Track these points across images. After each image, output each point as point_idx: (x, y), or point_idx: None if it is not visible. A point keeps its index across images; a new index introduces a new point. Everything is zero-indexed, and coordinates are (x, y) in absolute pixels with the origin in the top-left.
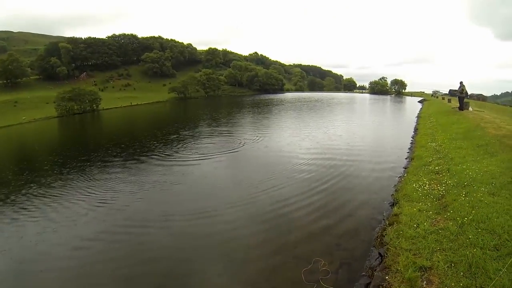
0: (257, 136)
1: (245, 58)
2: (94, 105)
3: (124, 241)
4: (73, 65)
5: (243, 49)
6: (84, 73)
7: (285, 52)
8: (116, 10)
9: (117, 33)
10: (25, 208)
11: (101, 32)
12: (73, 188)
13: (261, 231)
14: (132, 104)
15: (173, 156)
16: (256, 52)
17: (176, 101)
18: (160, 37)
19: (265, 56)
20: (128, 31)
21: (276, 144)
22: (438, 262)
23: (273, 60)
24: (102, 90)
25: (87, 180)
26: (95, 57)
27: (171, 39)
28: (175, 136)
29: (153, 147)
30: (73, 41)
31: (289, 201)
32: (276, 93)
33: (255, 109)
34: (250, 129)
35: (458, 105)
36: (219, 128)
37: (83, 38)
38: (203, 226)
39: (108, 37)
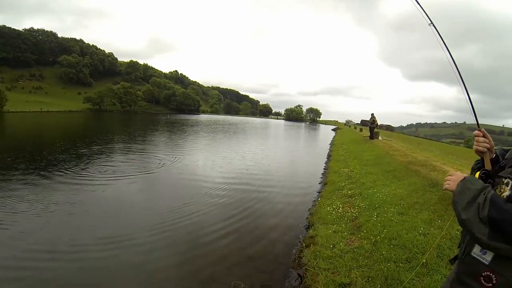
0: (174, 157)
1: (165, 75)
2: None
3: (24, 278)
4: None
5: (165, 66)
6: None
7: (205, 73)
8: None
9: (35, 28)
10: None
11: (18, 23)
12: None
13: (178, 257)
14: (42, 110)
15: (84, 173)
16: (176, 71)
17: (91, 113)
18: (81, 41)
19: (185, 76)
20: (48, 27)
21: (194, 167)
22: (356, 278)
23: (192, 80)
24: (9, 90)
25: None
26: (7, 49)
27: (93, 45)
28: (86, 150)
29: (62, 161)
30: None
31: (206, 227)
32: (192, 113)
33: (171, 129)
34: (167, 150)
35: (369, 134)
36: (135, 146)
37: None
38: (119, 256)
39: (25, 29)
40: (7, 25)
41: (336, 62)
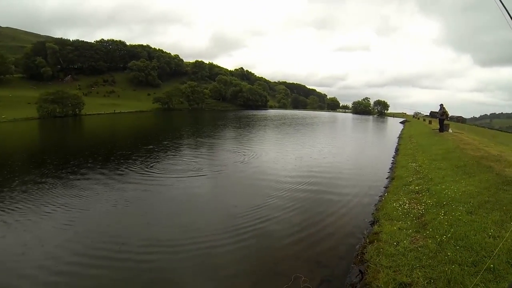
0: (243, 155)
1: (231, 73)
2: (76, 110)
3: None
4: (59, 66)
5: (230, 64)
6: (69, 76)
7: (271, 68)
8: (107, 14)
9: (105, 38)
10: None
11: (90, 35)
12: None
13: (242, 248)
14: (116, 111)
15: (154, 171)
16: (241, 68)
17: (160, 112)
18: (148, 46)
19: (250, 72)
20: (117, 37)
21: (266, 163)
22: (418, 278)
23: (258, 77)
24: (86, 95)
25: (60, 187)
26: (82, 60)
27: (159, 49)
28: (156, 147)
29: (135, 158)
30: (60, 42)
31: (270, 219)
32: (259, 109)
33: (239, 125)
34: (235, 147)
35: (438, 126)
36: (204, 144)
37: (71, 40)
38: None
39: (96, 41)
40: (80, 39)
41: (403, 52)
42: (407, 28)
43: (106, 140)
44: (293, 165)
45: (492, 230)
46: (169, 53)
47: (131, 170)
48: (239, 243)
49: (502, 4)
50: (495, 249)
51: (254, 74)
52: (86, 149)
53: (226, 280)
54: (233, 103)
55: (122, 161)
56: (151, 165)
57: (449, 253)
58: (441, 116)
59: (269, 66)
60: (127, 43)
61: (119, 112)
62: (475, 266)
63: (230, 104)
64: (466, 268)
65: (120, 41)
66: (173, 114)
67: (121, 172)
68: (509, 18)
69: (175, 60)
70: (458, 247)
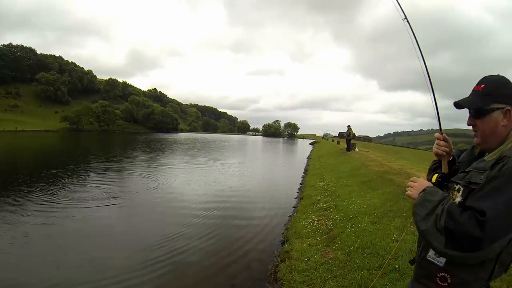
0: (156, 181)
1: (144, 93)
2: None
3: None
4: None
5: (144, 84)
6: None
7: (184, 90)
8: (20, 15)
9: (14, 43)
10: None
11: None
12: None
13: (156, 281)
14: (17, 129)
15: (58, 201)
16: (155, 89)
17: (68, 132)
18: (60, 57)
19: (163, 94)
20: (28, 43)
21: (174, 190)
22: None
23: (171, 98)
24: None
25: None
26: None
27: (72, 62)
28: (62, 174)
29: (36, 185)
30: None
31: (185, 247)
32: (170, 132)
33: (151, 149)
34: (147, 173)
35: (346, 146)
36: (114, 169)
37: None
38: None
39: (4, 45)
40: None
41: (315, 76)
42: (320, 55)
43: (8, 163)
44: (205, 190)
45: (395, 235)
46: (82, 68)
47: (30, 199)
48: (153, 276)
49: (413, 34)
50: (398, 251)
51: (167, 95)
52: None
53: None
54: (145, 126)
55: (21, 188)
56: (55, 193)
57: (357, 261)
58: (347, 136)
59: (183, 88)
60: (38, 52)
61: (21, 131)
62: (382, 268)
63: (141, 127)
64: (374, 271)
65: (30, 48)
66: (81, 135)
67: (17, 202)
68: (418, 48)
69: (88, 76)
70: (365, 255)
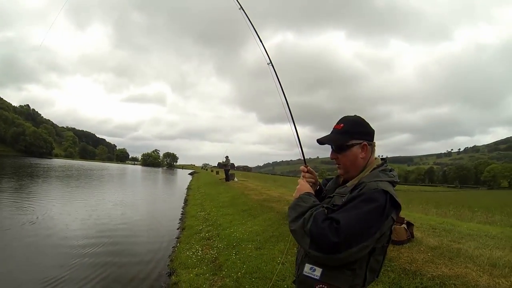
0: (29, 215)
1: (14, 109)
2: None
3: None
4: None
5: (15, 98)
6: None
7: (60, 112)
8: None
9: None
10: None
11: None
12: None
13: None
14: None
15: None
16: (28, 105)
17: None
18: None
19: (37, 112)
20: None
21: (53, 225)
22: None
23: (45, 119)
24: None
25: None
26: None
27: None
28: None
29: None
30: None
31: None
32: (43, 157)
33: (23, 177)
34: (20, 204)
35: (224, 176)
36: None
37: None
38: None
39: None
40: None
41: (195, 107)
42: (202, 86)
43: None
44: (86, 225)
45: (280, 258)
46: None
47: None
48: None
49: (271, 63)
50: (285, 273)
51: (41, 115)
52: None
53: None
54: (13, 148)
55: None
56: None
57: (246, 286)
58: (225, 167)
59: (60, 108)
60: None
61: None
62: None
63: (10, 148)
64: None
65: None
66: None
67: None
68: (280, 87)
69: None
70: (253, 279)
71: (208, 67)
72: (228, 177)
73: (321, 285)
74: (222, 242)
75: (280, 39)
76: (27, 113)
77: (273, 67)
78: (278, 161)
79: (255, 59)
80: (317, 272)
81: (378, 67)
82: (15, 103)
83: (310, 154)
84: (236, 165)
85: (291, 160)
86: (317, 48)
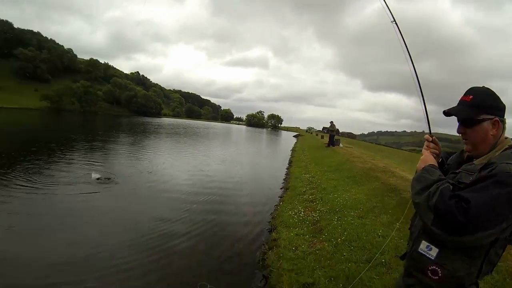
0: (145, 166)
1: (127, 76)
2: None
3: None
4: None
5: (126, 67)
6: None
7: (168, 75)
8: None
9: None
10: None
11: None
12: None
13: (146, 260)
14: None
15: (46, 182)
16: (138, 72)
17: (48, 111)
18: (39, 34)
19: (146, 78)
20: (4, 16)
21: (158, 174)
22: (319, 278)
23: (154, 83)
24: None
25: None
26: None
27: (51, 39)
28: (49, 154)
29: (20, 165)
30: None
31: (174, 233)
32: (153, 116)
33: (137, 133)
34: (132, 156)
35: (328, 141)
36: (102, 150)
37: None
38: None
39: None
40: None
41: (298, 71)
42: (304, 51)
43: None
44: (193, 178)
45: (381, 231)
46: (62, 46)
47: (14, 179)
48: (140, 254)
49: (402, 37)
50: (385, 246)
51: (150, 80)
52: None
53: None
54: (127, 108)
55: (11, 167)
56: (42, 174)
57: (345, 253)
58: (331, 132)
59: (166, 73)
60: (15, 26)
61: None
62: (369, 262)
63: (124, 109)
64: (361, 264)
65: (6, 21)
66: (64, 114)
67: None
68: (407, 51)
69: (68, 55)
70: (352, 248)
71: (308, 33)
72: (333, 143)
73: (435, 267)
74: (325, 206)
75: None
76: (138, 79)
77: (397, 25)
78: (383, 130)
79: (359, 22)
80: (433, 252)
81: (491, 36)
82: (126, 71)
83: (415, 127)
84: (340, 131)
85: (395, 131)
86: (422, 13)
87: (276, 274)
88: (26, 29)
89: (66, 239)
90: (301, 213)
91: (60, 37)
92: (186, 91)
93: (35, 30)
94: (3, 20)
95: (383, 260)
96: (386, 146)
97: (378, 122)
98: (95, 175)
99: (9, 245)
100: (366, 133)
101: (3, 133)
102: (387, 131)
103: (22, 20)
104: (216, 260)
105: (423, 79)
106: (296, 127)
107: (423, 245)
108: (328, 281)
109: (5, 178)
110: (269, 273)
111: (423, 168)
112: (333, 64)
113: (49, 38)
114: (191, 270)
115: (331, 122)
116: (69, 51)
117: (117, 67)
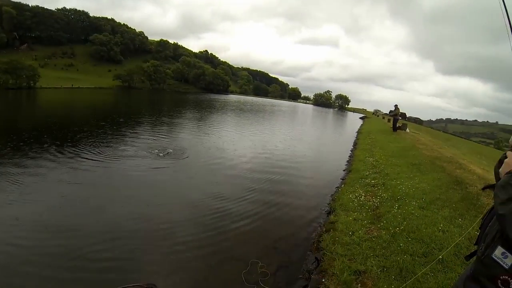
0: (206, 140)
1: (195, 55)
2: (31, 82)
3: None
4: (14, 33)
5: (195, 46)
6: (26, 45)
7: (236, 54)
8: None
9: (67, 7)
10: None
11: (53, 2)
12: None
13: (199, 232)
14: (74, 86)
15: (122, 155)
16: (206, 51)
17: (121, 89)
18: (112, 20)
19: (214, 56)
20: (81, 7)
21: (221, 151)
22: (372, 266)
23: (222, 61)
24: (42, 67)
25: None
26: (40, 29)
27: (124, 24)
28: (126, 129)
29: (101, 139)
30: (18, 6)
31: (229, 206)
32: (220, 93)
33: (203, 109)
34: (198, 133)
35: (396, 125)
36: (175, 126)
37: (30, 5)
38: (145, 225)
39: (58, 9)
40: (41, 5)
41: (369, 51)
42: (375, 30)
43: (63, 117)
44: (257, 155)
45: (442, 225)
46: (134, 30)
47: (97, 152)
48: (197, 228)
49: (506, 11)
50: (444, 242)
51: (218, 58)
52: (40, 126)
53: (185, 263)
54: (195, 86)
55: (83, 141)
56: (120, 147)
57: (401, 244)
58: (394, 116)
59: (234, 51)
60: (91, 15)
61: (77, 87)
62: (425, 257)
63: (192, 86)
64: (417, 258)
65: (83, 11)
66: (134, 92)
67: (73, 153)
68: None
69: (140, 37)
70: (410, 239)
71: (382, 9)
72: (395, 127)
73: (507, 277)
74: (387, 192)
75: None
76: (206, 57)
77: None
78: (452, 118)
79: (434, 1)
80: (509, 261)
81: None
82: (195, 50)
83: (488, 116)
84: (407, 116)
85: (466, 120)
86: None
87: (329, 258)
88: (100, 16)
89: (131, 211)
90: (361, 197)
91: (132, 22)
92: (254, 69)
93: (109, 17)
94: (79, 10)
95: (441, 257)
96: (454, 135)
97: (448, 108)
98: (163, 150)
99: (79, 214)
100: (434, 119)
101: (80, 109)
102: (456, 119)
103: (97, 9)
104: (270, 239)
105: (503, 63)
106: (363, 109)
107: (498, 252)
108: (380, 271)
109: (77, 151)
110: (322, 256)
111: (508, 173)
112: (405, 44)
113: (122, 23)
114: (243, 246)
115: (396, 106)
116: (141, 33)
117: (186, 47)
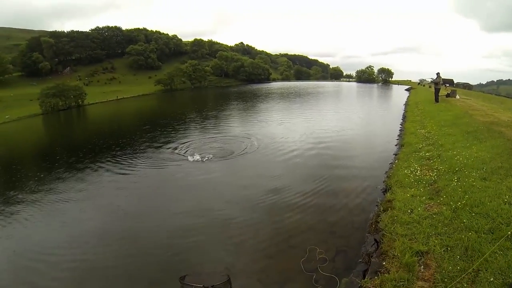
0: (254, 136)
1: (231, 48)
2: (79, 101)
3: None
4: (56, 60)
5: (229, 40)
6: (68, 68)
7: (272, 41)
8: (100, 1)
9: (100, 26)
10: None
11: (85, 25)
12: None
13: (256, 221)
14: (118, 98)
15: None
16: (242, 42)
17: (163, 93)
18: (144, 29)
19: (251, 46)
20: (112, 23)
21: (273, 135)
22: (434, 246)
23: (259, 50)
24: (86, 85)
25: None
26: (79, 51)
27: (156, 31)
28: (180, 132)
29: (154, 145)
30: (55, 35)
31: (283, 191)
32: (262, 82)
33: (244, 101)
34: (246, 126)
35: (445, 93)
36: (217, 127)
37: (65, 31)
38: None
39: (92, 30)
40: (75, 29)
41: (406, 17)
42: None
43: (113, 129)
44: (307, 134)
45: (507, 197)
46: (167, 34)
47: (151, 156)
48: (253, 217)
49: None
50: (511, 215)
51: (255, 48)
52: (97, 140)
53: (243, 254)
54: (236, 78)
55: (136, 147)
56: (182, 151)
57: (464, 220)
58: (436, 85)
59: (269, 40)
60: (123, 28)
61: (121, 98)
62: (492, 233)
63: (233, 80)
64: (483, 235)
65: (115, 26)
66: (177, 94)
67: (142, 156)
68: None
69: (174, 41)
70: (473, 214)
71: None
72: (437, 98)
73: None
74: (443, 164)
75: None
76: (243, 49)
77: None
78: (504, 79)
79: None
80: None
81: None
82: (231, 43)
83: None
84: (455, 82)
85: None
86: None
87: (389, 239)
88: (133, 28)
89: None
90: (417, 172)
91: (165, 26)
92: (293, 54)
93: (141, 27)
94: (113, 26)
95: (510, 233)
96: (508, 97)
97: (498, 69)
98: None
99: (141, 211)
100: (484, 82)
101: (124, 117)
102: (509, 79)
103: (128, 22)
104: (326, 223)
105: None
106: (408, 80)
107: None
108: (444, 251)
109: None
110: (381, 237)
111: None
112: (446, 4)
113: (154, 30)
114: (300, 233)
115: (437, 74)
116: (174, 37)
117: (221, 42)
